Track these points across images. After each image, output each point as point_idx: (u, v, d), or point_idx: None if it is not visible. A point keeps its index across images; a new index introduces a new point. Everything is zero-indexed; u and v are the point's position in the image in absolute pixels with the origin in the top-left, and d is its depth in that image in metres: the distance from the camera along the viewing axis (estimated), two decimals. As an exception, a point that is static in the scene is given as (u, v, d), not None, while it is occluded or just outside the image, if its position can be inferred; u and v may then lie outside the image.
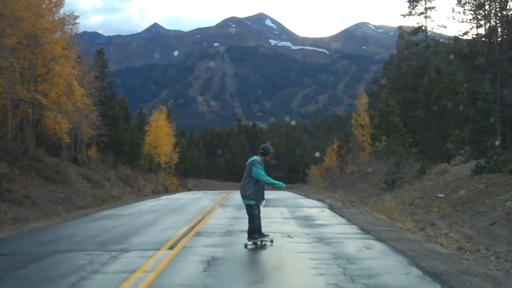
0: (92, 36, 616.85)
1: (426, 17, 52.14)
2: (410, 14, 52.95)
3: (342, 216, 21.40)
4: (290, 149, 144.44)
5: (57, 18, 32.98)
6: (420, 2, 52.62)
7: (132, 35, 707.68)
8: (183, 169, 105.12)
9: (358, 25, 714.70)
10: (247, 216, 14.18)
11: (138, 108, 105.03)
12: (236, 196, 38.64)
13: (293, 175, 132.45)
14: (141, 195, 45.48)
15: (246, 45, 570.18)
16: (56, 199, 28.06)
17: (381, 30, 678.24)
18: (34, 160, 31.56)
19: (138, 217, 21.68)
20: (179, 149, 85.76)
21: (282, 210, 24.31)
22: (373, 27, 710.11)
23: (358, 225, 18.04)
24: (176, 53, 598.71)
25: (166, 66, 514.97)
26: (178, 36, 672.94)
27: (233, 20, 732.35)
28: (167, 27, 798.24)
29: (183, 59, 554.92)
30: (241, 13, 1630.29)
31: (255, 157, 13.78)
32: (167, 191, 60.59)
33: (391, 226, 17.73)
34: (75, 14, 34.63)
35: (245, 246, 13.50)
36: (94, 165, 45.85)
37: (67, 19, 33.84)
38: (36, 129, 34.22)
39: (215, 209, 24.32)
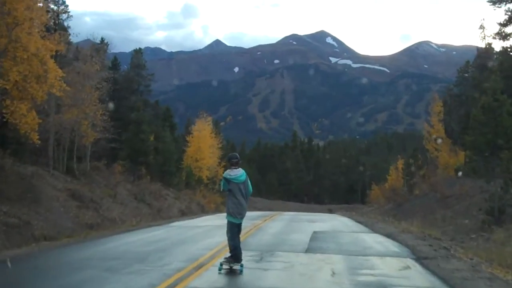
0: (154, 52, 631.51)
1: (521, 3, 42.06)
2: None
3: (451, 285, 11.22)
4: (348, 167, 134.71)
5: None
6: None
7: (194, 51, 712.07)
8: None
9: (420, 44, 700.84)
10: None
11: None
12: (275, 224, 28.70)
13: (351, 195, 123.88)
14: (161, 217, 36.09)
15: (306, 63, 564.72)
16: (0, 225, 18.77)
17: (443, 49, 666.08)
18: (-13, 168, 22.49)
19: (55, 279, 11.74)
20: (225, 163, 76.51)
21: (334, 262, 14.13)
22: (435, 46, 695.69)
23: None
24: (236, 69, 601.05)
25: (226, 82, 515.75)
26: (239, 53, 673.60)
27: (294, 37, 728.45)
28: (228, 44, 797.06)
29: (243, 76, 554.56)
30: (302, 31, 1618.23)
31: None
32: (203, 210, 51.20)
33: None
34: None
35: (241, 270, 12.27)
36: (100, 179, 36.68)
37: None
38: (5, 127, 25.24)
39: (221, 255, 14.49)
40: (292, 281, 11.22)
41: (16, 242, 17.95)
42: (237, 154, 13.11)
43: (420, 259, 14.85)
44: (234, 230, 12.52)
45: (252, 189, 12.88)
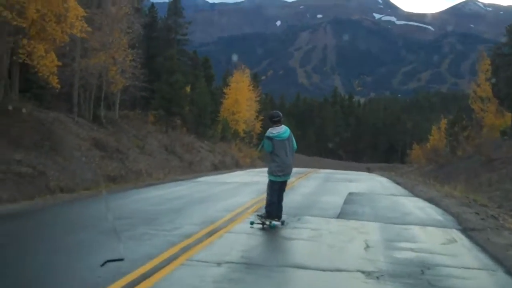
0: (195, 2, 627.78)
1: None
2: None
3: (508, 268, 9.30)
4: (388, 125, 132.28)
5: None
6: None
7: (236, 3, 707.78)
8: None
9: (466, 2, 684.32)
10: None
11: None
12: (309, 183, 26.76)
13: (390, 154, 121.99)
14: (192, 171, 34.72)
15: (350, 18, 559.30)
16: (11, 175, 17.38)
17: (490, 9, 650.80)
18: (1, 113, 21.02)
19: (44, 240, 10.25)
20: (262, 117, 74.83)
21: (369, 231, 12.35)
22: (482, 5, 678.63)
23: None
24: (278, 23, 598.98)
25: (268, 36, 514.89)
26: (281, 6, 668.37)
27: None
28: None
29: (285, 30, 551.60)
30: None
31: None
32: (237, 165, 49.75)
33: None
34: None
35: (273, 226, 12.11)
36: (130, 128, 35.26)
37: None
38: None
39: (241, 218, 13.03)
40: (318, 256, 9.43)
41: (28, 194, 16.64)
42: (279, 112, 12.61)
43: (466, 230, 12.97)
44: (273, 188, 12.24)
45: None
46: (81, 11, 22.14)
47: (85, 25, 22.62)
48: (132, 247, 9.26)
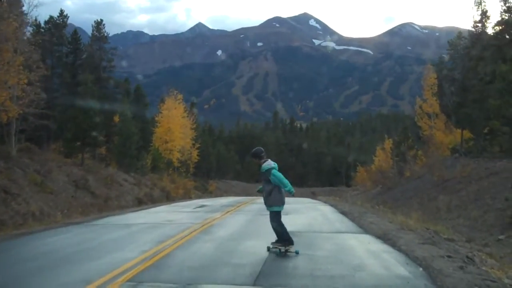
0: (136, 35, 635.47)
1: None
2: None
3: None
4: (331, 149, 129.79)
5: None
6: None
7: (177, 35, 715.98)
8: (206, 169, 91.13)
9: (403, 26, 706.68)
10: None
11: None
12: (235, 219, 20.63)
13: (335, 177, 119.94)
14: (108, 208, 30.13)
15: (290, 45, 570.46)
16: None
17: (426, 31, 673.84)
18: None
19: None
20: (199, 145, 70.55)
21: None
22: (418, 28, 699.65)
23: None
24: (219, 52, 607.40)
25: (210, 66, 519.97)
26: (222, 36, 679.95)
27: (277, 20, 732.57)
28: (211, 27, 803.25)
29: (226, 59, 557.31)
30: (285, 13, 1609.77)
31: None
32: (168, 197, 45.17)
33: None
34: None
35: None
36: (33, 163, 30.16)
37: None
38: None
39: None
40: None
41: None
42: (261, 148, 12.52)
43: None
44: (280, 216, 12.38)
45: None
46: None
47: None
48: None
